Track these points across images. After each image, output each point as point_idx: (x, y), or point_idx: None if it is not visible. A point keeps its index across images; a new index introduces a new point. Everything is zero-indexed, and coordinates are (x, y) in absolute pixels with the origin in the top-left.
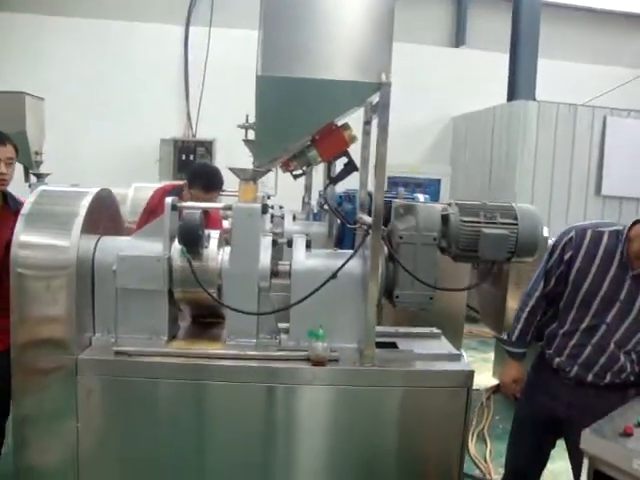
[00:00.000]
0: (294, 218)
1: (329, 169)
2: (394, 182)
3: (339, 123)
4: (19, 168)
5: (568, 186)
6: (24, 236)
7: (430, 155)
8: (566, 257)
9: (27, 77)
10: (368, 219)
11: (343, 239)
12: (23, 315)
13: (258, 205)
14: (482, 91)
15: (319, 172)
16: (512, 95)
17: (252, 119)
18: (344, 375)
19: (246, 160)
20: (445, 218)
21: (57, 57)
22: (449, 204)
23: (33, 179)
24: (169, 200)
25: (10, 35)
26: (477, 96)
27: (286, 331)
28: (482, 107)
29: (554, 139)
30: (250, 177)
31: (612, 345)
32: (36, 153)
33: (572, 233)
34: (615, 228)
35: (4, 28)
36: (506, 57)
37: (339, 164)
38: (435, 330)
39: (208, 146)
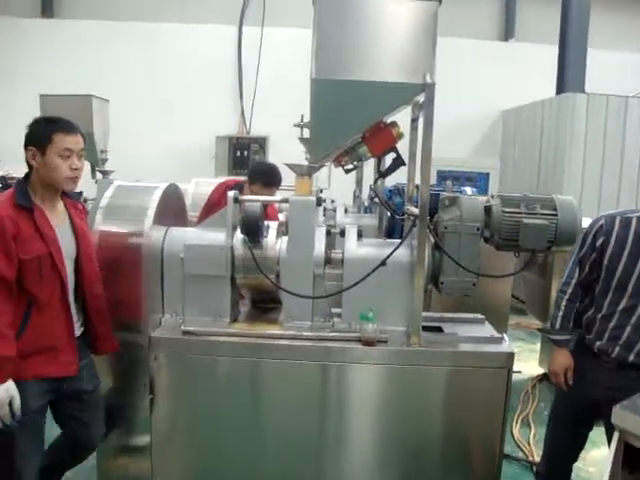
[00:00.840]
0: (345, 211)
1: (379, 164)
2: (443, 176)
3: (387, 121)
4: (86, 165)
5: (618, 180)
6: (102, 227)
7: (480, 149)
8: (598, 244)
9: (92, 80)
10: (415, 210)
11: (393, 231)
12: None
13: (313, 198)
14: (532, 84)
15: (369, 166)
16: (561, 88)
17: (306, 118)
18: (392, 355)
19: (298, 155)
20: (488, 209)
21: (119, 61)
22: (492, 196)
23: (99, 175)
24: (231, 194)
25: (75, 41)
26: (527, 90)
27: (338, 315)
28: (532, 101)
29: (604, 132)
30: (305, 172)
31: None
32: (101, 151)
33: (602, 221)
34: None
35: (70, 34)
36: (556, 49)
37: (388, 159)
38: (479, 316)
39: (262, 142)
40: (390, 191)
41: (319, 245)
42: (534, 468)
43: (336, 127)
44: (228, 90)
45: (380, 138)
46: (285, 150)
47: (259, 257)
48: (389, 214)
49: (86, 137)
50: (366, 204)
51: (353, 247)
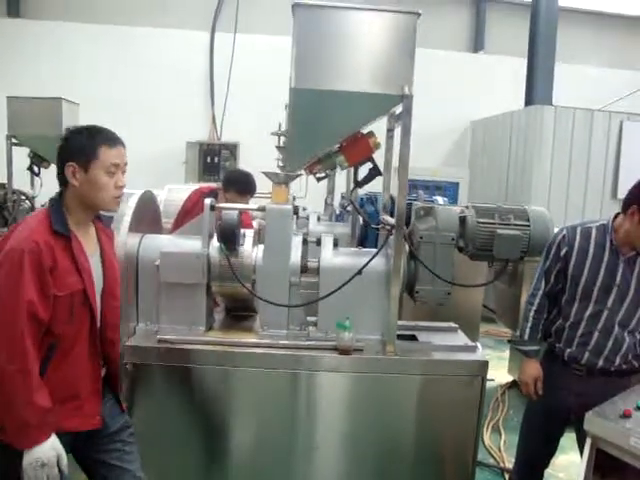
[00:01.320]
0: (318, 219)
1: (355, 173)
2: (414, 185)
3: (364, 131)
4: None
5: (584, 190)
6: None
7: (449, 159)
8: (562, 254)
9: (62, 83)
10: (391, 220)
11: (365, 239)
12: None
13: (290, 206)
14: (501, 96)
15: (342, 175)
16: (529, 100)
17: (280, 126)
18: (368, 363)
19: (269, 163)
20: (462, 220)
21: (88, 63)
22: (466, 207)
23: None
24: (208, 201)
25: (45, 42)
26: (496, 101)
27: (314, 324)
28: (501, 112)
29: (570, 144)
30: (282, 181)
31: (616, 327)
32: None
33: (564, 232)
34: (601, 222)
35: (40, 35)
36: (524, 62)
37: (364, 168)
38: (452, 324)
39: (232, 149)
40: (362, 200)
41: (295, 253)
42: (505, 475)
43: (314, 136)
44: (200, 96)
45: (357, 148)
46: (256, 157)
47: (235, 265)
48: (362, 223)
49: (55, 141)
50: (337, 212)
51: (329, 256)
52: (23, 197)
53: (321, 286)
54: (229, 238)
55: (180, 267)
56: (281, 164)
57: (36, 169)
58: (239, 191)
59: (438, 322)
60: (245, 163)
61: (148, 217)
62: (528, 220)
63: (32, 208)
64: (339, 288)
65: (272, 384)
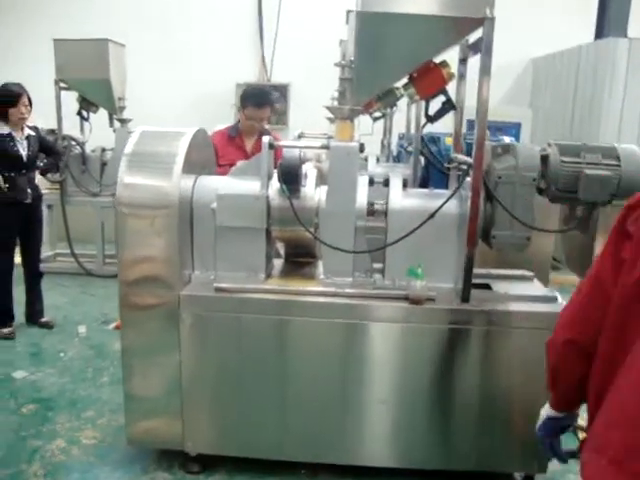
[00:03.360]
0: (377, 160)
1: (426, 107)
2: (472, 125)
3: (437, 60)
4: (101, 114)
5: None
6: (128, 177)
7: (508, 98)
8: None
9: (107, 24)
10: (467, 159)
11: (427, 181)
12: (128, 254)
13: (355, 144)
14: (564, 30)
15: (400, 114)
16: (601, 32)
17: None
18: (441, 314)
19: (321, 103)
20: (544, 158)
21: (134, 5)
22: (548, 144)
23: (117, 124)
24: (266, 140)
25: None
26: (558, 36)
27: (380, 271)
28: (565, 47)
29: None
30: (347, 115)
31: None
32: (119, 99)
33: None
34: None
35: None
36: None
37: (435, 103)
38: (528, 273)
39: (283, 90)
40: (423, 139)
41: (361, 195)
42: (579, 433)
43: (382, 66)
44: (248, 36)
45: (429, 79)
46: (308, 97)
47: (297, 208)
48: (424, 164)
49: (103, 84)
50: (395, 153)
51: (398, 197)
52: (74, 142)
53: (389, 230)
54: (291, 179)
55: (238, 210)
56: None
57: (85, 114)
58: (257, 104)
59: (512, 270)
60: (297, 104)
61: (202, 157)
62: (618, 159)
63: (83, 154)
64: (410, 233)
65: (337, 335)
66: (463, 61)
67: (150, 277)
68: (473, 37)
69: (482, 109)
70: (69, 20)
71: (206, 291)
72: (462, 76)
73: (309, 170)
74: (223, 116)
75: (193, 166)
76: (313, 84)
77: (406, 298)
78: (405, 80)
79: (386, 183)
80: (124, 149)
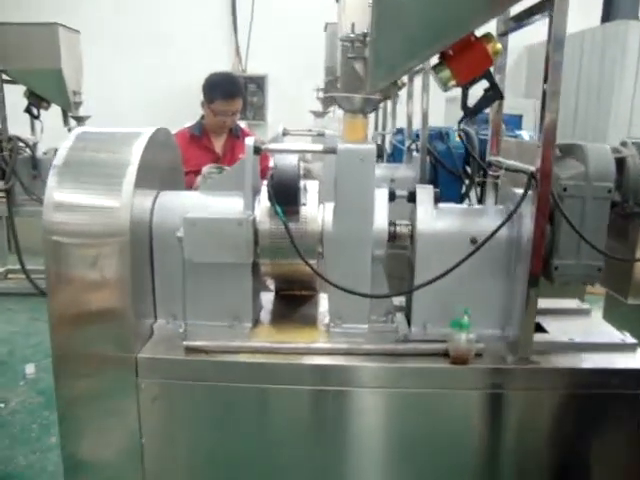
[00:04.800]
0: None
1: (464, 95)
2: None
3: (478, 33)
4: (56, 111)
5: None
6: (59, 194)
7: (503, 88)
8: None
9: (61, 8)
10: (522, 165)
11: (434, 185)
12: (63, 299)
13: (371, 145)
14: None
15: (400, 105)
16: (608, 15)
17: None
18: (493, 375)
19: (303, 96)
20: (620, 163)
21: None
22: (623, 144)
23: (72, 123)
24: (250, 141)
25: None
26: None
27: (401, 309)
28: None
29: None
30: (359, 107)
31: None
32: (74, 93)
33: None
34: None
35: None
36: None
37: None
38: (584, 305)
39: (260, 82)
40: (431, 135)
41: (380, 215)
42: None
43: (408, 39)
44: (220, 23)
45: (470, 57)
46: (288, 89)
47: (295, 234)
48: (430, 164)
49: (54, 75)
50: (389, 151)
51: (429, 217)
52: (22, 144)
53: (418, 260)
54: (287, 196)
55: (214, 239)
56: (321, 95)
57: (35, 111)
58: (226, 95)
59: (562, 300)
60: (276, 97)
61: (164, 166)
62: None
63: (33, 157)
64: (456, 266)
65: (356, 408)
66: (502, 36)
67: (95, 332)
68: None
69: (553, 100)
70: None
71: (173, 351)
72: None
73: (309, 182)
74: (193, 113)
75: (152, 178)
76: (292, 75)
77: (444, 354)
78: (435, 60)
79: (411, 197)
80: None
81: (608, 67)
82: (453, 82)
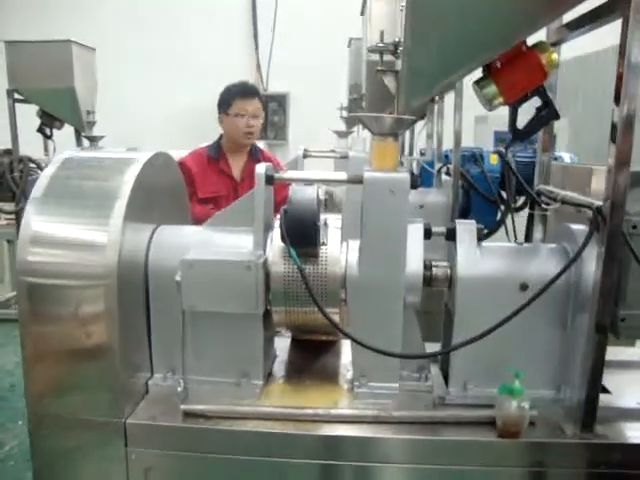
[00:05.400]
0: None
1: (513, 115)
2: (501, 137)
3: (529, 42)
4: (69, 131)
5: None
6: (37, 228)
7: (528, 107)
8: None
9: (76, 25)
10: (583, 198)
11: (467, 212)
12: (40, 351)
13: (404, 175)
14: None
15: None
16: None
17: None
18: (550, 451)
19: (326, 115)
20: None
21: (109, 2)
22: None
23: (85, 143)
24: (262, 169)
25: None
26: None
27: (437, 361)
28: (599, 47)
29: None
30: (389, 129)
31: None
32: (88, 112)
33: None
34: None
35: None
36: None
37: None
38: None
39: (281, 101)
40: (463, 156)
41: (414, 255)
42: None
43: (448, 48)
44: (242, 40)
45: (521, 70)
46: (309, 108)
47: (313, 278)
48: (463, 189)
49: (67, 94)
50: (415, 172)
51: (471, 258)
52: (33, 165)
53: (458, 308)
54: (304, 237)
55: (217, 285)
56: (345, 115)
57: (47, 131)
58: (243, 92)
59: (617, 347)
60: (297, 116)
61: (164, 196)
62: None
63: None
64: (503, 322)
65: None
66: (554, 46)
67: (77, 391)
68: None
69: (627, 112)
70: (26, 19)
71: (169, 416)
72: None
73: (330, 217)
74: (213, 133)
75: (148, 211)
76: (315, 93)
77: (490, 423)
78: (479, 73)
79: (451, 235)
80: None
81: None
82: (500, 99)
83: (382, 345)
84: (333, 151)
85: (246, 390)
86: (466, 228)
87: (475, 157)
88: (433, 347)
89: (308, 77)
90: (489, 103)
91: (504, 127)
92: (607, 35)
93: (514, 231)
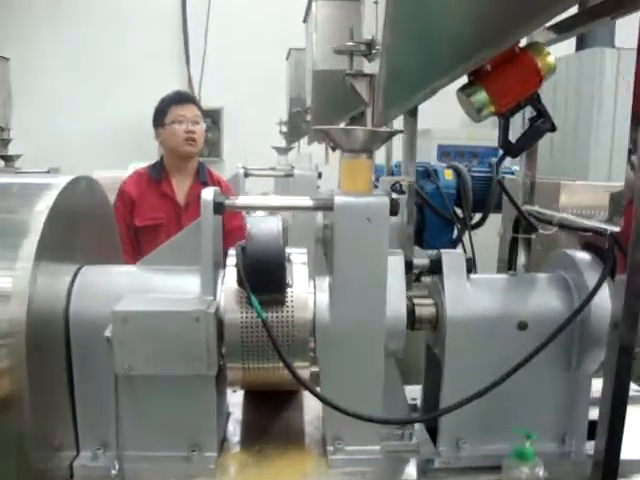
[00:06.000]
0: None
1: (505, 127)
2: (445, 151)
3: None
4: None
5: None
6: None
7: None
8: None
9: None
10: (596, 224)
11: (422, 231)
12: None
13: (384, 199)
14: None
15: None
16: (582, 43)
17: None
18: None
19: (264, 130)
20: None
21: (29, 11)
22: None
23: (0, 163)
24: (208, 195)
25: None
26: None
27: (414, 407)
28: None
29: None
30: (363, 146)
31: None
32: (1, 129)
33: None
34: None
35: None
36: None
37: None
38: None
39: (215, 116)
40: (418, 172)
41: (397, 293)
42: None
43: (436, 47)
44: (172, 52)
45: (515, 75)
46: (244, 125)
47: (277, 325)
48: (417, 207)
49: None
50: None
51: (461, 295)
52: None
53: (448, 355)
54: (270, 280)
55: (157, 343)
56: (284, 130)
57: None
58: (177, 98)
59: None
60: (232, 132)
61: (88, 229)
62: None
63: None
64: (506, 378)
65: None
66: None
67: None
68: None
69: None
70: None
71: None
72: None
73: (294, 252)
74: (142, 152)
75: (67, 249)
76: (250, 107)
77: None
78: (464, 79)
79: (435, 267)
80: None
81: (585, 96)
82: (491, 109)
83: (360, 404)
84: (273, 169)
85: (198, 465)
86: (453, 259)
87: (429, 172)
88: (411, 390)
89: (243, 91)
90: (477, 113)
91: (448, 141)
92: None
93: (472, 250)
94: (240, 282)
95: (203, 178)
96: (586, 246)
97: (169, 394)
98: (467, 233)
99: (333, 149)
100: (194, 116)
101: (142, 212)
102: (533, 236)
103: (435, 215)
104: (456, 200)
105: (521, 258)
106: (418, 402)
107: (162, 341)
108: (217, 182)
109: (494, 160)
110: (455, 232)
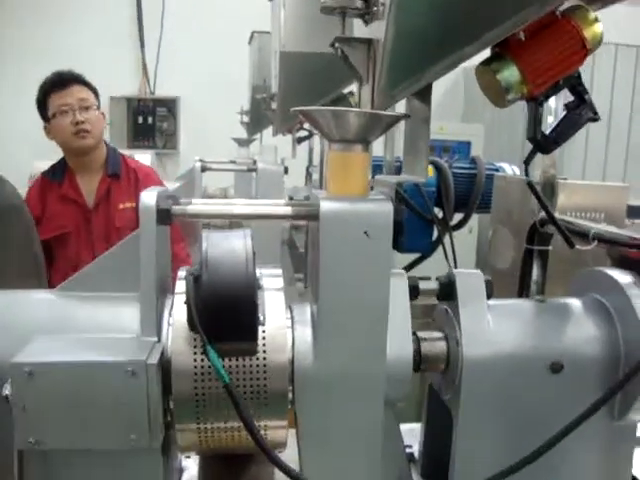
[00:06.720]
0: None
1: (535, 113)
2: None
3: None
4: None
5: (626, 145)
6: None
7: (439, 111)
8: None
9: None
10: (622, 232)
11: (400, 231)
12: None
13: (387, 205)
14: None
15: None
16: None
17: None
18: None
19: (223, 121)
20: None
21: None
22: None
23: None
24: (150, 198)
25: None
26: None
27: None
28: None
29: (612, 85)
30: (358, 135)
31: None
32: None
33: None
34: None
35: None
36: None
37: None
38: None
39: (171, 105)
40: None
41: (400, 328)
42: None
43: (457, 16)
44: (125, 38)
45: (555, 44)
46: (202, 115)
47: (246, 373)
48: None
49: None
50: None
51: (481, 329)
52: None
53: (465, 404)
54: (236, 325)
55: (81, 406)
56: (246, 120)
57: None
58: (59, 86)
59: None
60: (190, 123)
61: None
62: None
63: None
64: (550, 445)
65: None
66: None
67: None
68: None
69: None
70: None
71: None
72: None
73: (264, 273)
74: None
75: None
76: (209, 96)
77: None
78: (487, 52)
79: (447, 291)
80: None
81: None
82: (522, 89)
83: (352, 474)
84: (234, 162)
85: None
86: (471, 282)
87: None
88: (403, 431)
89: (202, 79)
90: (505, 94)
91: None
92: None
93: (454, 254)
94: (192, 325)
95: (113, 171)
96: (621, 261)
97: (98, 475)
98: (448, 235)
99: (299, 141)
100: (79, 100)
101: (45, 223)
102: (550, 247)
103: (414, 216)
104: (436, 199)
105: (533, 274)
106: (415, 451)
107: (84, 405)
108: (134, 171)
109: (455, 156)
110: (435, 234)
